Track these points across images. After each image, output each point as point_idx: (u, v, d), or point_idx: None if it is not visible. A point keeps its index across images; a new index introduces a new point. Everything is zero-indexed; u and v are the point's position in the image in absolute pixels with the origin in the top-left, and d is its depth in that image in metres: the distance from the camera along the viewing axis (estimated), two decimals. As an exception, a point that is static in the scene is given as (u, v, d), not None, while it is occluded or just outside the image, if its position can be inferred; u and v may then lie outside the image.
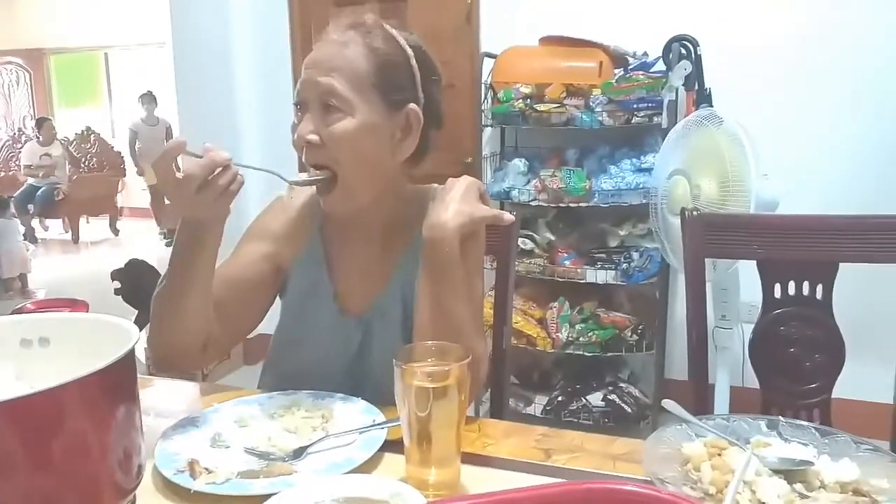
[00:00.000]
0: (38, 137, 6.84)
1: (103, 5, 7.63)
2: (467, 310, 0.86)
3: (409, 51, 0.89)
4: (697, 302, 1.09)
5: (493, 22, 2.60)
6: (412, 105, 0.88)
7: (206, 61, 2.92)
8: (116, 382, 0.57)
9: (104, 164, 7.57)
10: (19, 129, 8.34)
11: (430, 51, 0.92)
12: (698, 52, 2.14)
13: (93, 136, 7.67)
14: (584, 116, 2.25)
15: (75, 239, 6.62)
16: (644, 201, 2.18)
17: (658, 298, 2.32)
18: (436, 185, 0.94)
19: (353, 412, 0.83)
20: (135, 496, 0.61)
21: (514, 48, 2.40)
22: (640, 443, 0.74)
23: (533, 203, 2.36)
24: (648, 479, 0.65)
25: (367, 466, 0.72)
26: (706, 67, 2.16)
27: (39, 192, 6.48)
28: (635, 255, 2.30)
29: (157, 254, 4.87)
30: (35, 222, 6.71)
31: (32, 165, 6.61)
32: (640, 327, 2.34)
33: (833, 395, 1.07)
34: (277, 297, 1.01)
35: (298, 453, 0.74)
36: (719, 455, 0.69)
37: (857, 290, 1.76)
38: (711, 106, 2.10)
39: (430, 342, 0.73)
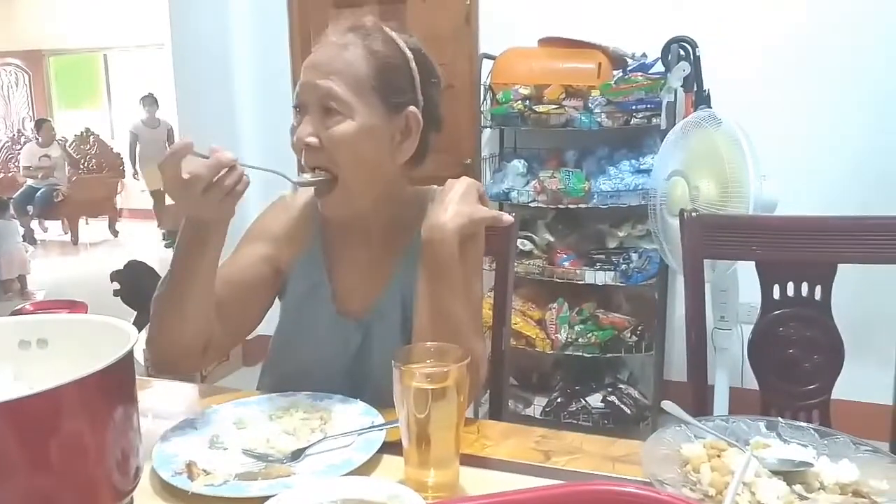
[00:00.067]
0: (37, 139, 6.84)
1: (102, 7, 7.63)
2: (466, 311, 0.86)
3: (409, 53, 0.89)
4: (696, 303, 1.09)
5: (492, 23, 2.61)
6: (412, 108, 0.88)
7: (205, 63, 2.92)
8: (115, 384, 0.57)
9: (103, 165, 7.58)
10: (18, 131, 8.34)
11: (429, 53, 0.92)
12: (697, 54, 2.14)
13: (92, 137, 7.67)
14: (582, 118, 2.25)
15: (74, 240, 6.62)
16: (643, 202, 2.18)
17: (657, 299, 2.32)
18: (435, 186, 0.94)
19: (351, 414, 0.83)
20: (132, 498, 0.60)
21: (512, 49, 2.41)
22: (640, 444, 0.74)
23: (532, 204, 2.36)
24: (648, 480, 0.65)
25: (365, 468, 0.71)
26: (705, 69, 2.17)
27: (39, 193, 6.48)
28: (634, 257, 2.30)
29: (156, 255, 4.86)
30: (34, 224, 6.71)
31: (31, 167, 6.61)
32: (640, 328, 2.34)
33: (832, 396, 1.07)
34: (277, 299, 1.01)
35: (297, 455, 0.74)
36: (719, 456, 0.69)
37: (855, 291, 1.76)
38: (710, 107, 2.10)
39: (428, 343, 0.73)
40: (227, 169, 0.76)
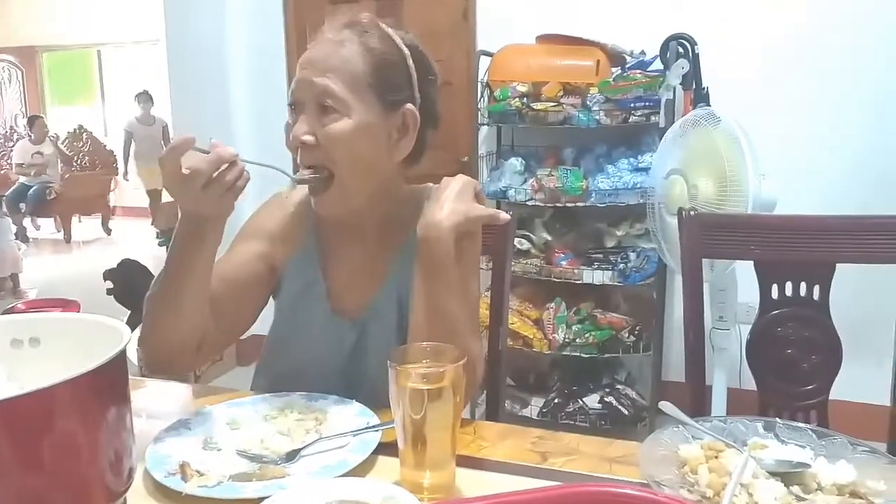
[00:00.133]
0: (29, 136, 6.81)
1: (97, 2, 7.60)
2: (462, 310, 0.86)
3: (406, 50, 0.88)
4: (695, 303, 1.09)
5: (489, 20, 2.60)
6: (409, 105, 0.88)
7: (200, 59, 2.90)
8: (108, 383, 0.56)
9: (97, 162, 7.55)
10: (11, 128, 8.31)
11: (426, 50, 0.91)
12: (696, 51, 2.14)
13: (85, 134, 7.64)
14: (580, 115, 2.24)
15: (67, 238, 6.59)
16: (641, 201, 2.18)
17: (655, 299, 2.32)
18: (431, 184, 0.93)
19: (346, 414, 0.82)
20: (125, 499, 0.60)
21: (510, 46, 2.40)
22: (637, 445, 0.73)
23: (529, 203, 2.36)
24: (645, 481, 0.64)
25: (360, 469, 0.71)
26: (704, 66, 2.16)
27: (31, 190, 6.45)
28: (632, 256, 2.30)
29: (150, 254, 4.85)
30: (27, 221, 6.68)
31: (24, 164, 6.58)
32: (637, 328, 2.34)
33: (830, 397, 1.07)
34: (271, 298, 1.00)
35: (291, 456, 0.74)
36: (716, 457, 0.69)
37: (854, 291, 1.76)
38: (709, 105, 2.10)
39: (424, 343, 0.72)
40: (227, 164, 0.76)
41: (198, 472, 0.69)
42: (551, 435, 0.81)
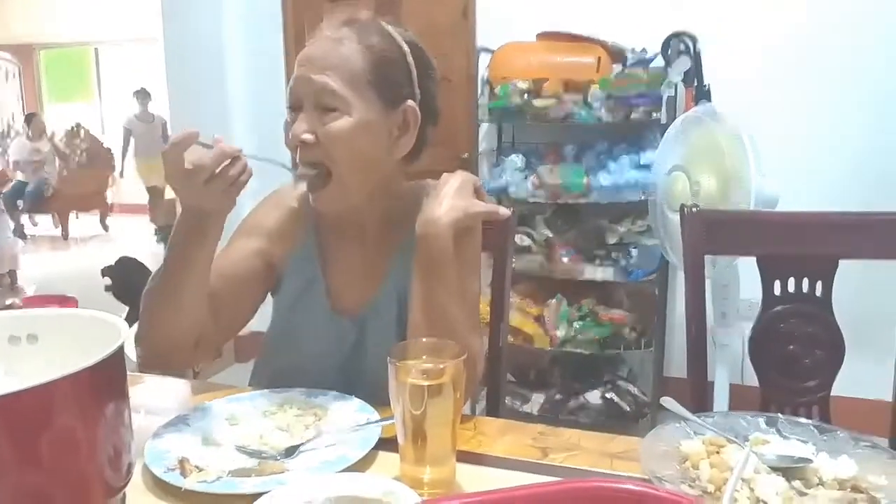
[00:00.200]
0: (27, 133, 6.79)
1: (94, 0, 7.58)
2: (461, 307, 0.85)
3: (405, 47, 0.87)
4: (696, 299, 1.08)
5: (489, 17, 2.59)
6: (409, 102, 0.87)
7: (198, 57, 2.90)
8: (106, 379, 0.56)
9: (94, 160, 7.53)
10: (8, 125, 8.29)
11: (425, 46, 0.91)
12: (697, 48, 2.14)
13: (83, 131, 7.63)
14: (582, 112, 2.24)
15: (65, 235, 6.59)
16: (643, 198, 2.17)
17: (657, 296, 2.32)
18: (430, 180, 0.93)
19: (346, 410, 0.82)
20: (125, 494, 0.60)
21: (511, 43, 2.39)
22: (639, 441, 0.73)
23: (531, 199, 2.35)
24: (647, 477, 0.64)
25: (360, 465, 0.71)
26: (705, 63, 2.16)
27: (29, 188, 6.44)
28: (634, 252, 2.30)
29: (148, 251, 4.85)
30: (24, 218, 6.67)
31: (21, 161, 6.57)
32: (639, 325, 2.34)
33: (832, 393, 1.07)
34: (270, 295, 1.00)
35: (291, 451, 0.73)
36: (718, 453, 0.69)
37: (856, 287, 1.76)
38: (710, 102, 2.09)
39: (424, 339, 0.72)
40: (230, 160, 0.75)
41: (197, 467, 0.69)
42: (552, 430, 0.81)
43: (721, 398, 1.85)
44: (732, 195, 1.72)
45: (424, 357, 0.69)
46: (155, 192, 6.34)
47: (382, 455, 0.73)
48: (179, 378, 1.02)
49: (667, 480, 0.64)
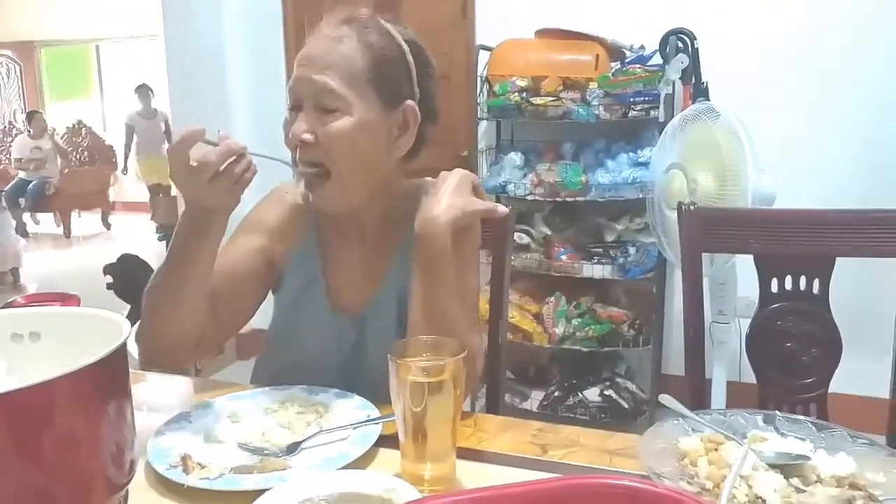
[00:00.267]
0: (28, 131, 6.78)
1: (95, -3, 7.56)
2: (461, 305, 0.86)
3: (405, 45, 0.87)
4: (694, 297, 1.09)
5: (488, 14, 2.59)
6: (409, 101, 0.87)
7: (198, 54, 2.89)
8: (108, 377, 0.56)
9: (95, 157, 7.53)
10: (10, 123, 8.28)
11: (424, 45, 0.91)
12: (695, 46, 2.14)
13: (84, 129, 7.62)
14: (580, 110, 2.24)
15: (67, 233, 6.58)
16: (641, 195, 2.17)
17: (655, 293, 2.32)
18: (429, 178, 0.93)
19: (347, 407, 0.82)
20: (127, 491, 0.60)
21: (509, 41, 2.39)
22: (637, 438, 0.73)
23: (529, 197, 2.36)
24: (645, 474, 0.65)
25: (361, 462, 0.71)
26: (703, 61, 2.16)
27: (30, 186, 6.43)
28: (632, 250, 2.30)
29: (149, 248, 4.84)
30: (26, 216, 6.66)
31: (23, 159, 6.56)
32: (637, 322, 2.34)
33: (830, 390, 1.07)
34: (270, 293, 1.00)
35: (292, 448, 0.74)
36: (716, 450, 0.69)
37: (854, 284, 1.76)
38: (708, 100, 2.09)
39: (425, 337, 0.72)
40: (235, 157, 0.75)
41: (199, 464, 0.69)
42: (551, 427, 0.82)
43: (719, 395, 1.85)
44: (730, 193, 1.72)
45: (425, 354, 0.70)
46: (156, 190, 6.33)
47: (383, 452, 0.73)
48: (182, 375, 1.02)
49: (665, 477, 0.64)
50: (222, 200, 0.79)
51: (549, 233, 2.44)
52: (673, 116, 2.01)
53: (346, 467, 0.69)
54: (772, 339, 1.08)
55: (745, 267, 1.26)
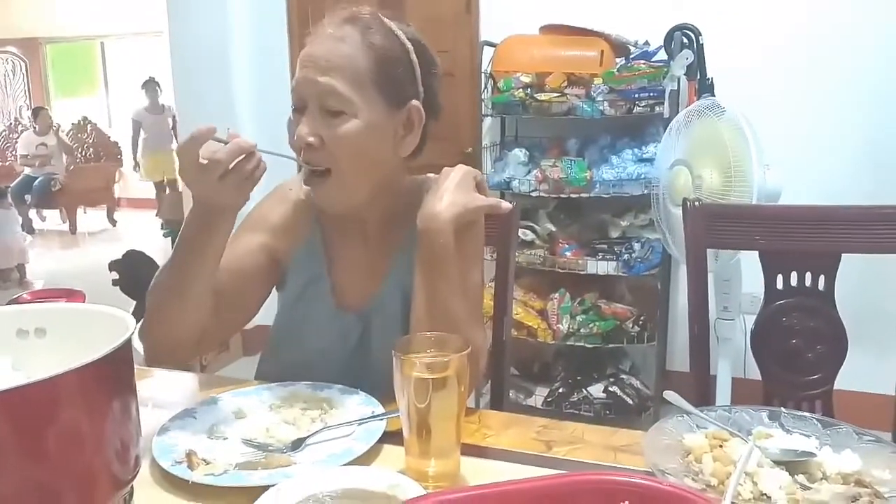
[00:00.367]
0: (34, 127, 6.79)
1: (99, -6, 7.57)
2: (464, 301, 0.85)
3: (409, 45, 0.87)
4: (699, 293, 1.08)
5: (492, 10, 2.58)
6: (415, 102, 0.87)
7: (203, 50, 2.90)
8: (113, 372, 0.56)
9: (101, 154, 7.53)
10: (16, 119, 8.30)
11: (427, 42, 0.90)
12: (700, 41, 2.12)
13: (89, 125, 7.63)
14: (585, 106, 2.23)
15: (73, 230, 6.60)
16: (646, 192, 2.17)
17: (659, 289, 2.32)
18: (431, 175, 0.93)
19: (351, 404, 0.82)
20: (132, 487, 0.60)
21: (514, 37, 2.38)
22: (642, 434, 0.73)
23: (533, 193, 2.35)
24: (650, 470, 0.65)
25: (366, 458, 0.71)
26: (708, 56, 2.15)
27: (36, 182, 6.45)
28: (637, 246, 2.30)
29: (155, 245, 4.86)
30: (32, 213, 6.69)
31: (29, 155, 6.58)
32: (642, 318, 2.33)
33: (835, 387, 1.07)
34: (274, 290, 1.00)
35: (297, 445, 0.74)
36: (721, 446, 0.69)
37: (859, 281, 1.76)
38: (713, 95, 2.09)
39: (429, 333, 0.72)
40: (244, 155, 0.75)
41: (204, 460, 0.70)
42: (556, 424, 0.81)
43: (723, 392, 1.85)
44: (735, 189, 1.71)
45: (429, 351, 0.70)
46: (161, 186, 6.34)
47: (387, 448, 0.74)
48: (187, 372, 1.02)
49: (670, 474, 0.64)
50: (231, 198, 0.79)
51: (553, 229, 2.43)
52: (678, 112, 2.00)
53: (351, 463, 0.69)
54: (777, 335, 1.08)
55: (750, 263, 1.26)
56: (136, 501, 0.62)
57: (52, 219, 6.97)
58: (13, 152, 7.40)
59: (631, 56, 2.28)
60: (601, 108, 2.22)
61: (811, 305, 1.06)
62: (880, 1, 2.18)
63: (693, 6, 2.29)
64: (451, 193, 0.83)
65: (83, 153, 7.46)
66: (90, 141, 7.56)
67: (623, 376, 2.42)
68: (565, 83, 2.26)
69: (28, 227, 6.20)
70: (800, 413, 0.76)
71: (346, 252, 0.96)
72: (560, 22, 2.32)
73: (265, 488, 0.62)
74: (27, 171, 6.58)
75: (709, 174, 1.78)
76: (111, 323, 0.62)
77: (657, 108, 2.18)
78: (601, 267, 2.30)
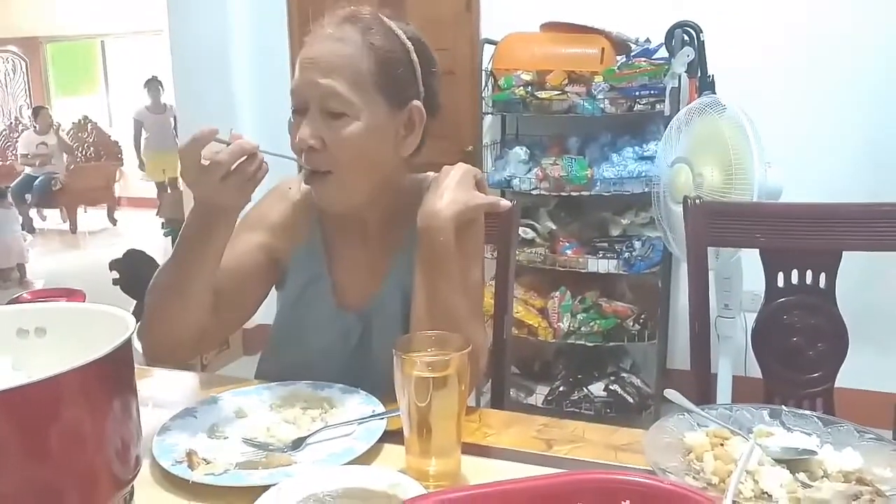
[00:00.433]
0: (34, 126, 6.79)
1: (100, -7, 7.57)
2: (464, 299, 0.85)
3: (409, 44, 0.87)
4: (700, 291, 1.08)
5: (493, 8, 2.58)
6: (416, 102, 0.87)
7: (203, 49, 2.90)
8: (114, 372, 0.56)
9: (101, 153, 7.53)
10: (16, 118, 8.30)
11: (428, 41, 0.90)
12: (701, 39, 2.12)
13: (90, 124, 7.62)
14: (585, 104, 2.23)
15: (73, 229, 6.60)
16: (646, 190, 2.16)
17: (660, 288, 2.32)
18: (431, 173, 0.93)
19: (352, 403, 0.82)
20: (133, 487, 0.60)
21: (514, 35, 2.38)
22: (642, 433, 0.73)
23: (534, 192, 2.35)
24: (651, 469, 0.64)
25: (366, 457, 0.71)
26: (709, 54, 2.14)
27: (37, 181, 6.45)
28: (637, 244, 2.29)
29: (155, 244, 4.86)
30: (33, 212, 6.68)
31: (29, 154, 6.57)
32: (642, 317, 2.33)
33: (836, 385, 1.07)
34: (273, 289, 1.00)
35: (297, 444, 0.74)
36: (722, 445, 0.69)
37: (860, 278, 1.76)
38: (714, 93, 2.08)
39: (429, 332, 0.72)
40: (246, 156, 0.75)
41: (204, 460, 0.70)
42: (556, 423, 0.81)
43: (724, 390, 1.85)
44: (736, 187, 1.71)
45: (430, 349, 0.70)
46: (162, 185, 6.33)
47: (388, 447, 0.74)
48: (187, 371, 1.02)
49: (671, 472, 0.64)
50: (233, 199, 0.79)
51: (554, 227, 2.43)
52: (679, 110, 2.00)
53: (351, 463, 0.69)
54: (778, 333, 1.08)
55: (750, 261, 1.25)
56: (136, 501, 0.62)
57: (53, 218, 6.97)
58: (13, 151, 7.40)
59: (632, 54, 2.28)
60: (602, 105, 2.22)
61: (812, 303, 1.06)
62: (880, 1, 2.18)
63: (694, 4, 2.29)
64: (451, 192, 0.83)
65: (83, 152, 7.46)
66: (90, 140, 7.56)
67: (624, 375, 2.42)
68: (566, 81, 2.26)
69: (28, 227, 6.20)
70: (801, 411, 0.76)
71: (347, 251, 0.96)
72: (561, 19, 2.32)
73: (266, 488, 0.62)
74: (27, 170, 6.58)
75: (709, 172, 1.78)
76: (111, 322, 0.62)
77: (658, 106, 2.18)
78: (602, 265, 2.30)
